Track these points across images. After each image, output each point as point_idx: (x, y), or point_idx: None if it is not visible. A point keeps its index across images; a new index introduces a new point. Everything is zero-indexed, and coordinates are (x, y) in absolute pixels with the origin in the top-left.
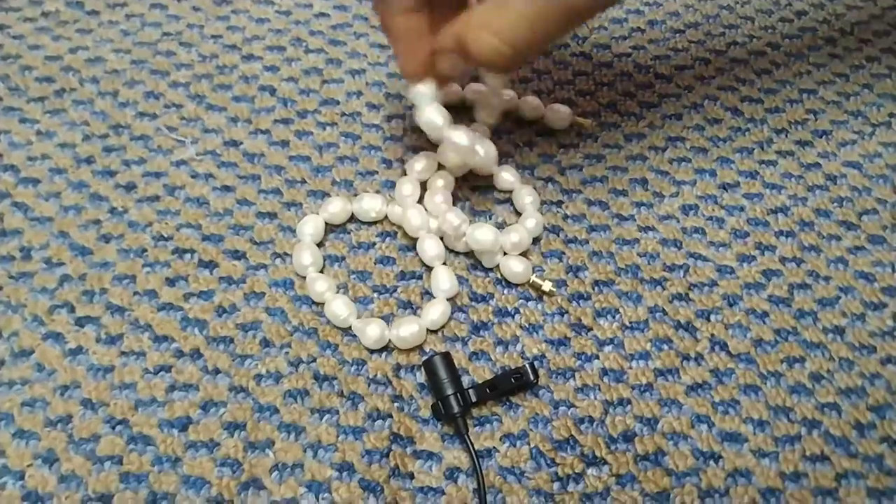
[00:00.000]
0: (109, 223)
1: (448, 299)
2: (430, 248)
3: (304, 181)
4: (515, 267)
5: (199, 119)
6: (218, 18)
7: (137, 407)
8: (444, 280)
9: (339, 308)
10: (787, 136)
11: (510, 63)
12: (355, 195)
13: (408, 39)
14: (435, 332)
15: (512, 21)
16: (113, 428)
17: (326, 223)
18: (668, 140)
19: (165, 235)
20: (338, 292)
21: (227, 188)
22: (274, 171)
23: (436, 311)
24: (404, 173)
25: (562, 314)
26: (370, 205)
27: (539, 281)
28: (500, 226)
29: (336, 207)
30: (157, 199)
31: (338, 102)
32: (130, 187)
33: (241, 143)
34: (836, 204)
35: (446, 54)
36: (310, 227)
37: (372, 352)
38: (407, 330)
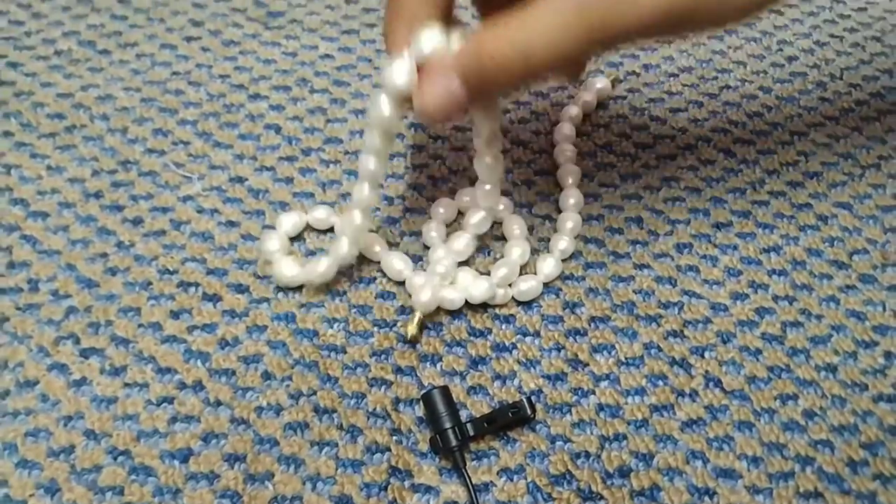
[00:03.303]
0: (116, 256)
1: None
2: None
3: None
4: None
5: (206, 156)
6: (226, 59)
7: (139, 438)
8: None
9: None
10: (778, 176)
11: (515, 76)
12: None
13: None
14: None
15: (530, 32)
16: (115, 459)
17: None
18: (663, 180)
19: (171, 269)
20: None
21: (231, 223)
22: (278, 206)
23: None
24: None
25: (558, 349)
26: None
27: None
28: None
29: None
30: (163, 234)
31: (341, 141)
32: (137, 221)
33: (247, 179)
34: (827, 243)
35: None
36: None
37: (371, 385)
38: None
